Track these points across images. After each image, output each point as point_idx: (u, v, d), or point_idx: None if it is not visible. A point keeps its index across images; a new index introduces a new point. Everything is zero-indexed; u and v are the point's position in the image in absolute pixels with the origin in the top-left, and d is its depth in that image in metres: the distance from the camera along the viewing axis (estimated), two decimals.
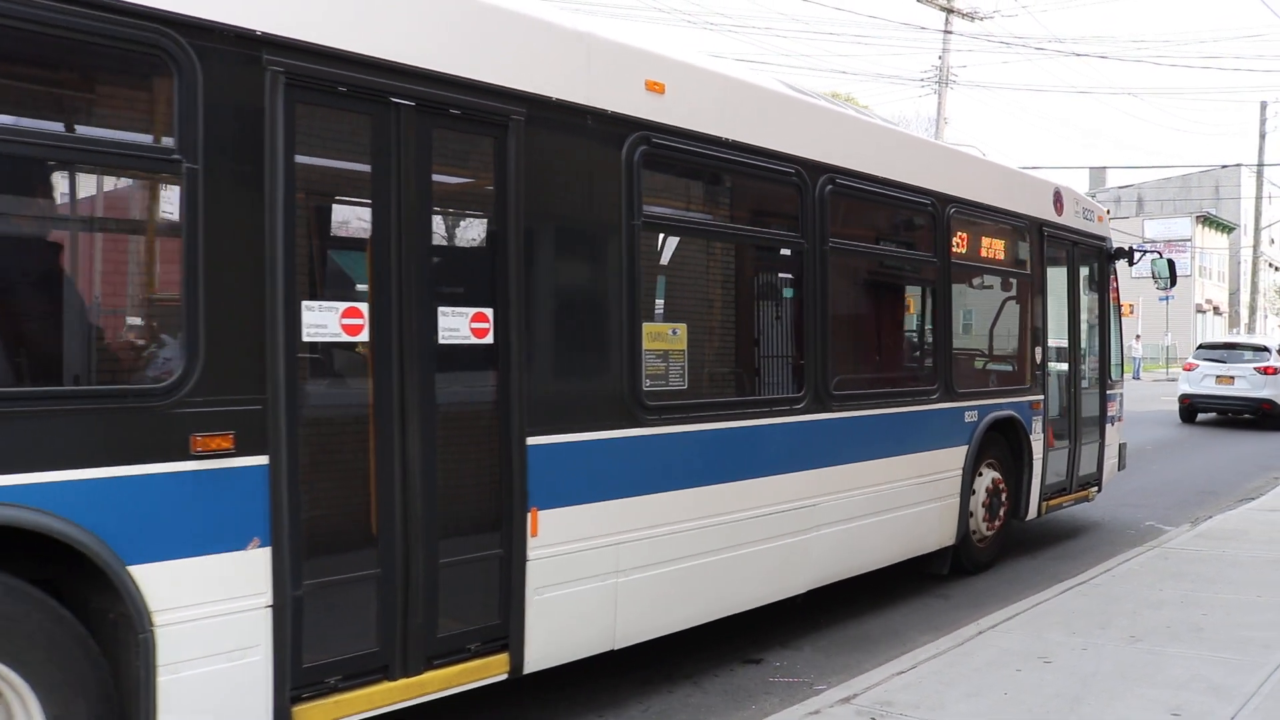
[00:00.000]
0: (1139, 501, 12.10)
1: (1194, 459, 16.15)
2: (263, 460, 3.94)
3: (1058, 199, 9.31)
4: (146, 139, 3.93)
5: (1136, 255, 10.77)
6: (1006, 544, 8.92)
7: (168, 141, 3.80)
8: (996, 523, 8.57)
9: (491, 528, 4.76)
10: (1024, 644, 6.15)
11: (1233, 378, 20.97)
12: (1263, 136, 51.92)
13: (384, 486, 4.37)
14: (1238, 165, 56.48)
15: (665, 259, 5.97)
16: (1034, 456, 8.85)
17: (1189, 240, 56.96)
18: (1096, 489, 10.18)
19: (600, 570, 5.18)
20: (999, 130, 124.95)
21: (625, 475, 5.27)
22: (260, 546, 3.95)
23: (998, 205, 8.42)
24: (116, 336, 4.01)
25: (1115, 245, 10.46)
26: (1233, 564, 8.38)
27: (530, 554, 4.82)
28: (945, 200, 7.72)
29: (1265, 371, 20.72)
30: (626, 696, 5.72)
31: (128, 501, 3.63)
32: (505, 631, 4.78)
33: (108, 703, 3.56)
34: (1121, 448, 10.82)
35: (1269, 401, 20.48)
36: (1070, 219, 9.52)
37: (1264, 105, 52.36)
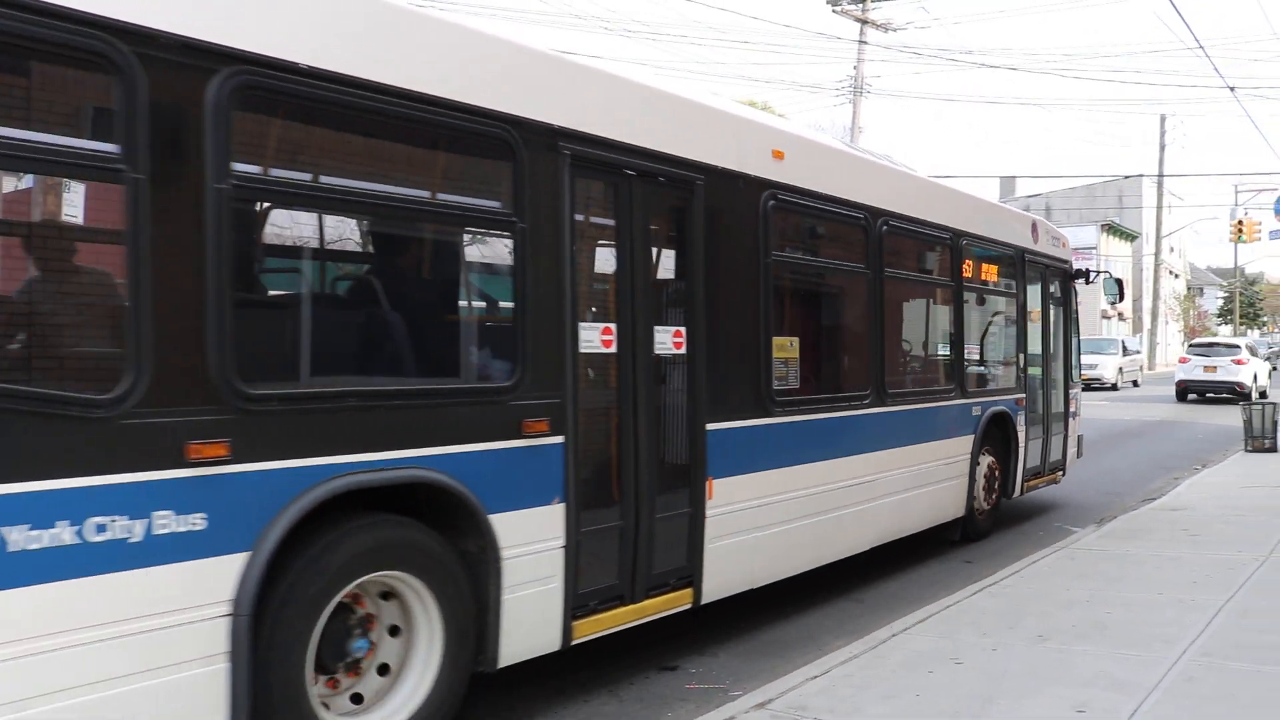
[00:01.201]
0: (1105, 485, 13.93)
1: (1151, 446, 18.52)
2: (561, 439, 5.32)
3: (1034, 229, 11.14)
4: (495, 205, 5.22)
5: (1092, 275, 12.61)
6: (999, 518, 10.56)
7: (504, 208, 5.18)
8: (993, 498, 10.29)
9: (685, 492, 6.23)
10: (936, 645, 6.25)
11: (1215, 367, 28.90)
12: (1162, 148, 53.68)
13: (624, 458, 5.81)
14: (1140, 176, 58.41)
15: (782, 286, 7.32)
16: (1019, 445, 10.60)
17: (1094, 249, 58.61)
18: (1062, 473, 12.02)
19: (748, 526, 6.66)
20: (913, 139, 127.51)
21: (761, 453, 6.81)
22: (559, 503, 5.31)
23: (995, 238, 10.23)
24: (481, 353, 5.33)
25: (1076, 267, 12.30)
26: (1136, 563, 8.59)
27: (708, 513, 6.29)
28: (960, 234, 9.50)
29: (1237, 363, 28.87)
30: (540, 708, 5.68)
31: (487, 468, 4.96)
32: (691, 572, 6.23)
33: (470, 609, 4.89)
34: (1079, 439, 12.67)
35: (1240, 384, 28.19)
36: (1043, 246, 11.29)
37: (1163, 118, 54.14)
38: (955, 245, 9.46)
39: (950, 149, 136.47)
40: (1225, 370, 29.19)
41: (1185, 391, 29.92)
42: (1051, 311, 11.69)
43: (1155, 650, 6.11)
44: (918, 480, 8.80)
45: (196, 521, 3.87)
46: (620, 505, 5.82)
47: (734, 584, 6.71)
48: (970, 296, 9.86)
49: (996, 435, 10.15)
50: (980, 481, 9.99)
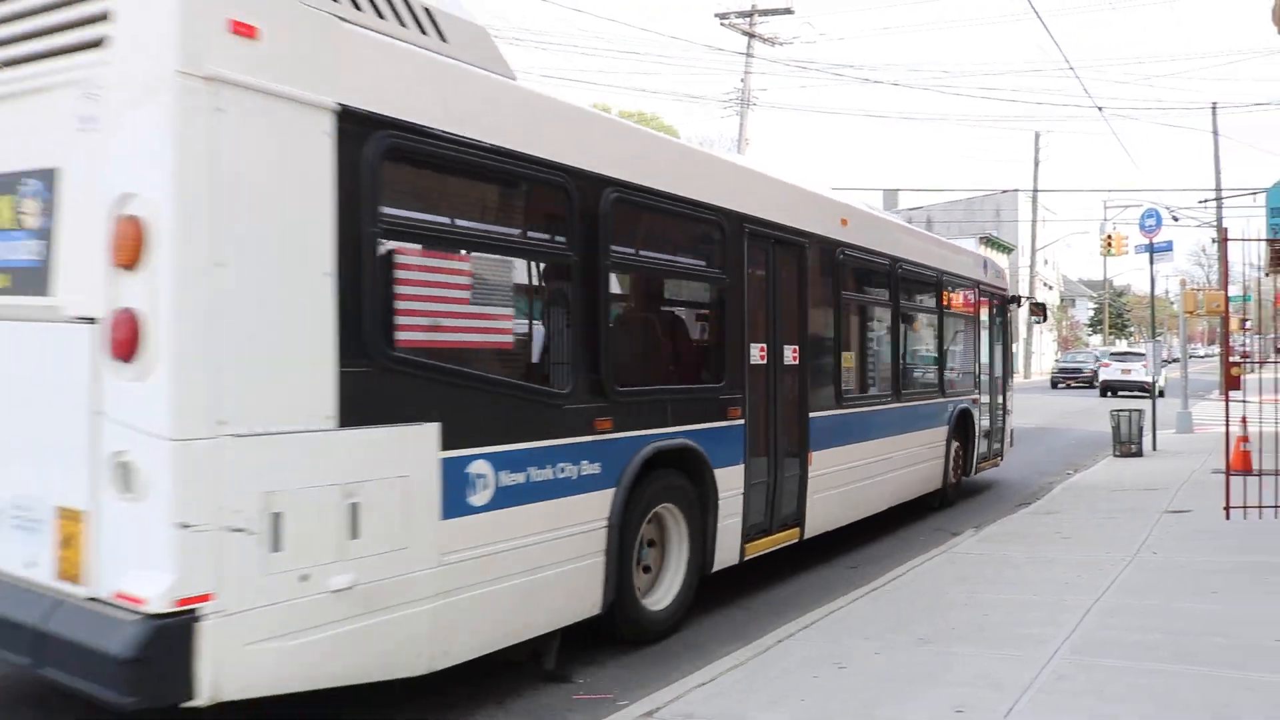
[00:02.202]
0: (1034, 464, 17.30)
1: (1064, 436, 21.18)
2: (743, 422, 7.81)
3: (984, 266, 14.40)
4: (716, 270, 7.65)
5: (1023, 300, 16.26)
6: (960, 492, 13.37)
7: (718, 269, 7.66)
8: (958, 475, 13.22)
9: (798, 460, 8.79)
10: (821, 650, 6.34)
11: (1130, 370, 37.79)
12: (1037, 164, 55.65)
13: (769, 436, 8.34)
14: (1015, 190, 60.45)
15: (848, 317, 10.02)
16: (976, 435, 13.63)
17: None
18: (1001, 458, 15.19)
19: (828, 486, 9.22)
20: (799, 151, 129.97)
21: (836, 435, 9.38)
22: (741, 464, 7.75)
23: (962, 274, 13.32)
24: (707, 366, 7.76)
25: (1012, 294, 15.76)
26: (1013, 565, 8.85)
27: (809, 476, 8.83)
28: (942, 273, 12.54)
29: (1144, 366, 36.85)
30: None
31: (712, 439, 7.39)
32: (799, 518, 8.77)
33: (700, 531, 7.26)
34: (1012, 432, 15.97)
35: (1149, 383, 33.24)
36: (990, 278, 14.55)
37: (1038, 136, 56.14)
38: (939, 281, 12.49)
39: (836, 161, 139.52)
40: (1137, 373, 37.69)
41: (1107, 389, 38.74)
42: (995, 330, 14.83)
43: (1030, 649, 6.28)
44: (914, 458, 11.60)
45: (596, 468, 6.29)
46: (767, 469, 8.38)
47: (820, 527, 9.26)
48: (947, 319, 12.79)
49: (961, 427, 13.12)
50: (951, 461, 12.89)
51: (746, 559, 8.05)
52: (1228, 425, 11.19)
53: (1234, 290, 49.49)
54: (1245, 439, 14.82)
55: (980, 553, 9.47)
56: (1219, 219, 36.68)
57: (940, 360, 12.41)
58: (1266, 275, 28.09)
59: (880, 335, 10.92)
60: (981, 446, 14.02)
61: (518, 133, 5.80)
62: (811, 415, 8.95)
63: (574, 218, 6.23)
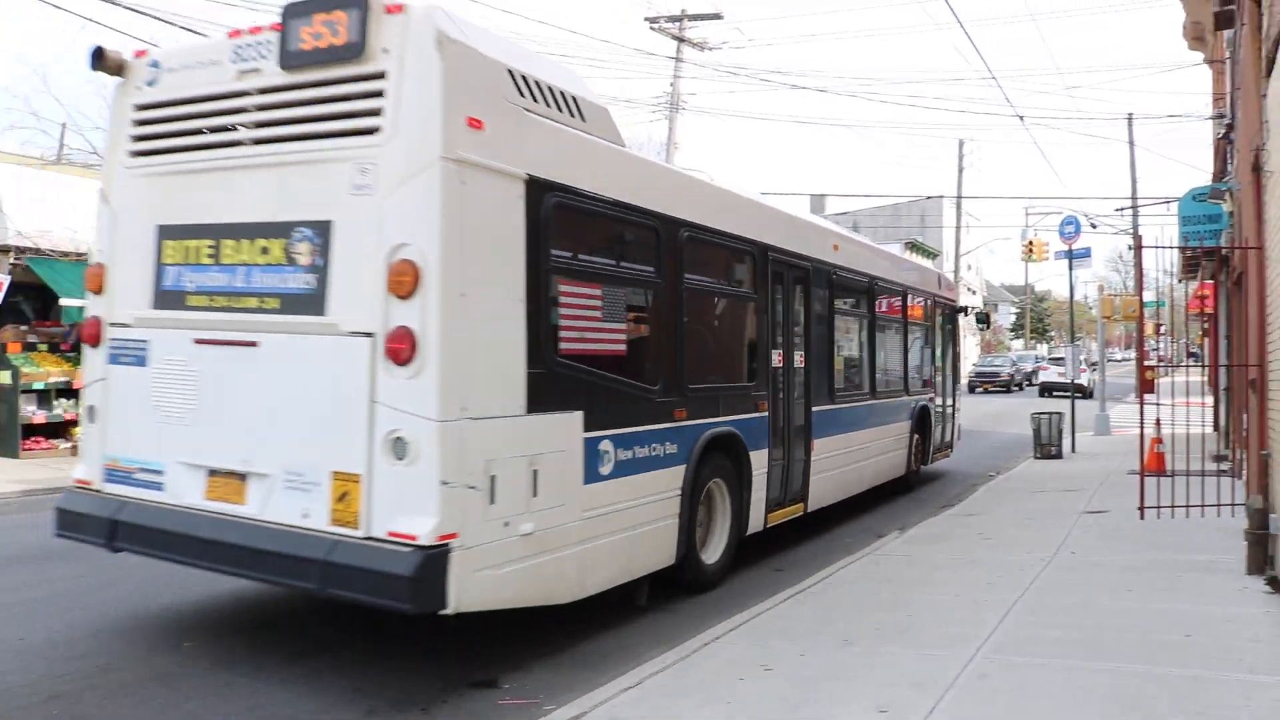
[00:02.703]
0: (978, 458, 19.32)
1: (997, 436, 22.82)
2: (767, 414, 9.68)
3: (939, 279, 16.67)
4: (748, 289, 9.62)
5: (970, 310, 18.44)
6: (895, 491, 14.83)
7: (751, 289, 9.65)
8: (918, 464, 15.33)
9: (804, 446, 10.64)
10: (747, 653, 6.36)
11: (1064, 372, 40.41)
12: (961, 171, 56.58)
13: (783, 425, 10.13)
14: (940, 197, 61.34)
15: (838, 326, 11.98)
16: (932, 428, 15.91)
17: None
18: (950, 450, 17.29)
19: (825, 469, 11.11)
20: (729, 155, 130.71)
21: (827, 425, 11.25)
22: (765, 449, 9.57)
23: (924, 289, 15.69)
24: (746, 366, 9.54)
25: (960, 304, 18.01)
26: (936, 566, 8.96)
27: (812, 460, 10.74)
28: (909, 288, 14.75)
29: (1080, 371, 41.06)
30: None
31: (748, 428, 9.22)
32: (803, 495, 10.60)
33: (738, 502, 9.05)
34: (959, 427, 18.12)
35: (1084, 385, 40.64)
36: (943, 291, 16.79)
37: (962, 143, 57.05)
38: (904, 295, 14.71)
39: (765, 165, 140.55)
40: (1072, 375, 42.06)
41: (1046, 390, 44.32)
42: (946, 337, 16.92)
43: (953, 649, 6.36)
44: (886, 448, 13.70)
45: (675, 449, 8.08)
46: (782, 452, 10.23)
47: (819, 503, 11.17)
48: (910, 327, 15.00)
49: (921, 421, 15.37)
50: (914, 452, 15.10)
51: (769, 526, 10.09)
52: (1142, 427, 11.25)
53: (1149, 296, 50.90)
54: (1159, 441, 15.22)
55: (905, 554, 9.57)
56: (1135, 226, 37.61)
57: (905, 363, 14.78)
58: (1179, 281, 28.96)
59: (861, 341, 13.29)
60: (936, 439, 16.28)
61: (628, 189, 7.84)
62: (814, 409, 11.09)
63: (661, 252, 8.29)
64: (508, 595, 6.42)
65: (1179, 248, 13.47)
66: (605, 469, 7.41)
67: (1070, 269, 20.89)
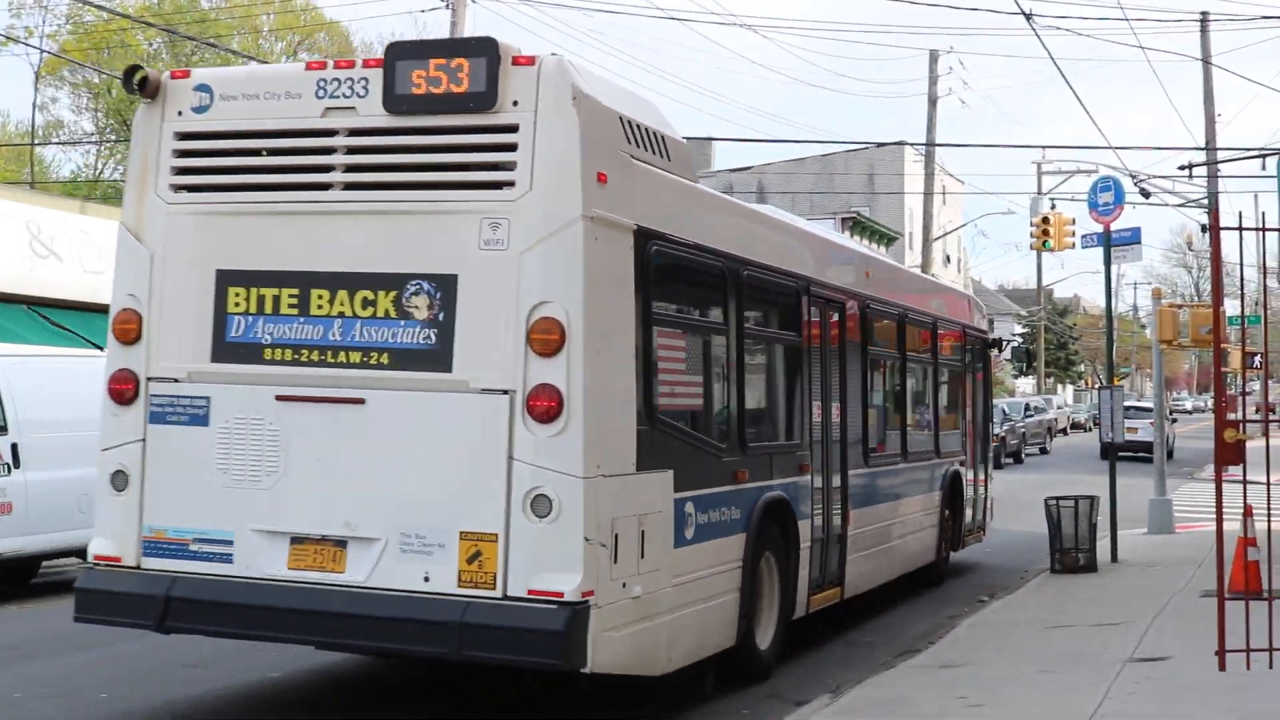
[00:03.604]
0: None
1: None
2: (808, 478, 13.66)
3: (969, 305, 20.43)
4: (790, 333, 13.87)
5: (1004, 344, 21.16)
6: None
7: (793, 332, 13.85)
8: (947, 549, 19.27)
9: (841, 518, 14.56)
10: None
11: (1137, 428, 50.12)
12: (933, 102, 57.27)
13: (824, 490, 14.22)
14: (900, 144, 62.12)
15: (872, 373, 15.58)
16: (965, 501, 19.59)
17: None
18: (984, 533, 21.05)
19: (858, 548, 14.80)
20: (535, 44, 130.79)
21: (863, 493, 15.14)
22: (808, 520, 13.55)
23: (952, 318, 19.27)
24: (794, 423, 13.63)
25: (993, 336, 21.59)
26: None
27: (849, 535, 14.57)
28: (937, 319, 18.26)
29: (1151, 423, 44.71)
30: None
31: (795, 493, 13.03)
32: (840, 578, 14.44)
33: (787, 577, 12.85)
34: (992, 501, 22.06)
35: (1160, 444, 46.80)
36: (975, 321, 20.09)
37: (934, 56, 57.96)
38: (934, 326, 17.97)
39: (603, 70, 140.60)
40: (1145, 431, 47.00)
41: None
42: (976, 380, 20.46)
43: None
44: (917, 525, 17.89)
45: (737, 514, 11.41)
46: (823, 523, 13.39)
47: (854, 589, 14.88)
48: (942, 369, 18.80)
49: (952, 492, 19.20)
50: (944, 532, 19.15)
51: (811, 611, 12.87)
52: (1220, 521, 11.18)
53: (1234, 308, 52.18)
54: (1251, 542, 15.42)
55: None
56: (1212, 196, 38.81)
57: (935, 416, 17.40)
58: None
59: (892, 391, 16.18)
60: (967, 517, 18.86)
61: (706, 231, 11.27)
62: (850, 473, 14.17)
63: (728, 297, 11.57)
64: (622, 660, 9.43)
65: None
66: (689, 533, 10.47)
67: (1108, 262, 21.34)
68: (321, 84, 9.60)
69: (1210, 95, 40.14)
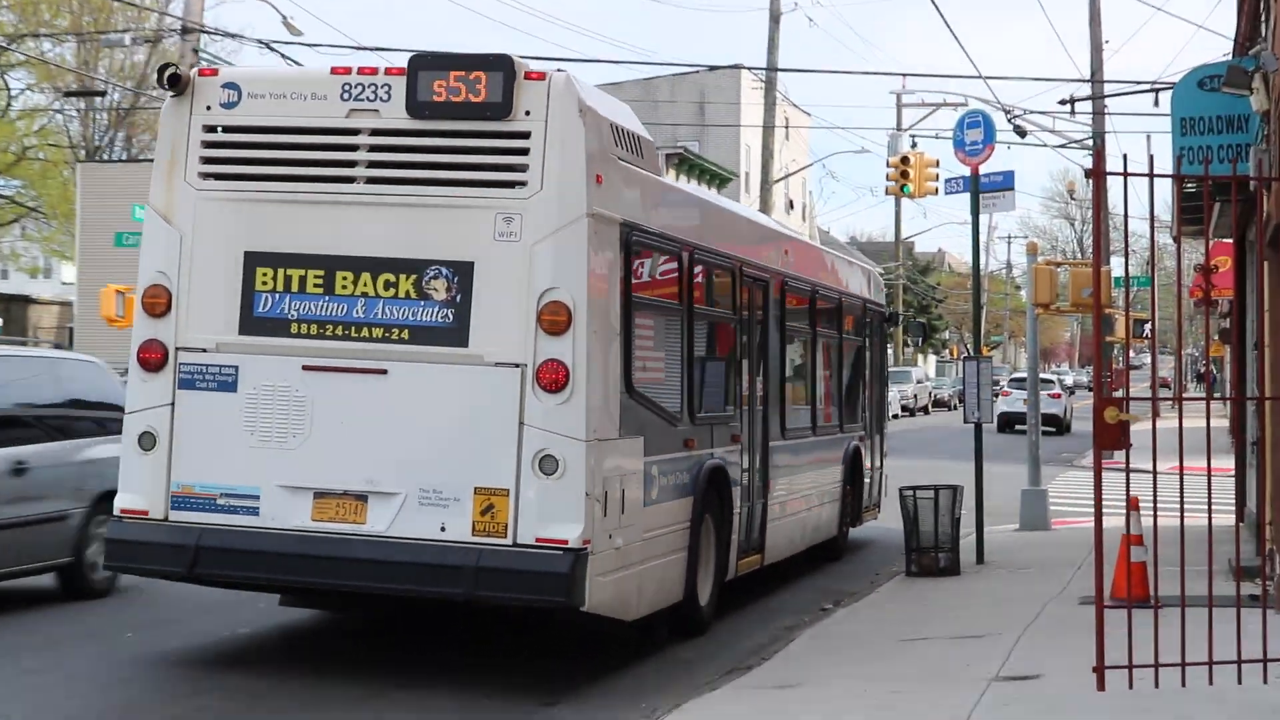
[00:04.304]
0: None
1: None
2: (739, 447, 17.65)
3: (870, 280, 25.18)
4: (726, 309, 17.77)
5: (900, 317, 33.96)
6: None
7: (728, 310, 17.83)
8: (847, 525, 23.63)
9: (763, 488, 18.57)
10: None
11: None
12: (775, 19, 56.89)
13: (750, 460, 18.14)
14: (737, 67, 62.51)
15: (790, 347, 20.22)
16: (864, 477, 24.18)
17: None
18: (878, 510, 24.97)
19: (775, 517, 18.91)
20: None
21: (780, 465, 19.15)
22: (739, 486, 17.69)
23: (854, 291, 23.90)
24: (729, 395, 17.49)
25: (890, 309, 27.60)
26: None
27: (769, 504, 18.66)
28: (842, 293, 23.00)
29: (1053, 395, 65.22)
30: None
31: (729, 461, 17.27)
32: (761, 544, 18.45)
33: (721, 544, 16.77)
34: (886, 479, 25.58)
35: (1060, 416, 67.82)
36: (873, 294, 24.76)
37: None
38: (840, 301, 22.08)
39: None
40: (1047, 403, 56.28)
41: (1008, 423, 62.07)
42: (873, 354, 24.46)
43: None
44: (823, 498, 21.89)
45: (687, 479, 15.21)
46: (749, 491, 17.45)
47: (773, 556, 19.05)
48: (846, 344, 22.85)
49: (853, 467, 23.32)
50: (845, 507, 23.09)
51: (739, 575, 16.27)
52: (1099, 516, 11.62)
53: (1122, 265, 52.93)
54: (1136, 540, 15.55)
55: None
56: (1096, 135, 39.61)
57: (840, 391, 21.47)
58: (1176, 239, 30.47)
59: (803, 364, 19.86)
60: (865, 493, 23.07)
61: (670, 221, 14.79)
62: (770, 444, 17.53)
63: (680, 279, 14.83)
64: (607, 602, 12.63)
65: (1173, 176, 14.09)
66: (653, 494, 13.70)
67: (976, 212, 21.58)
68: (346, 87, 12.78)
69: (1097, 18, 41.14)
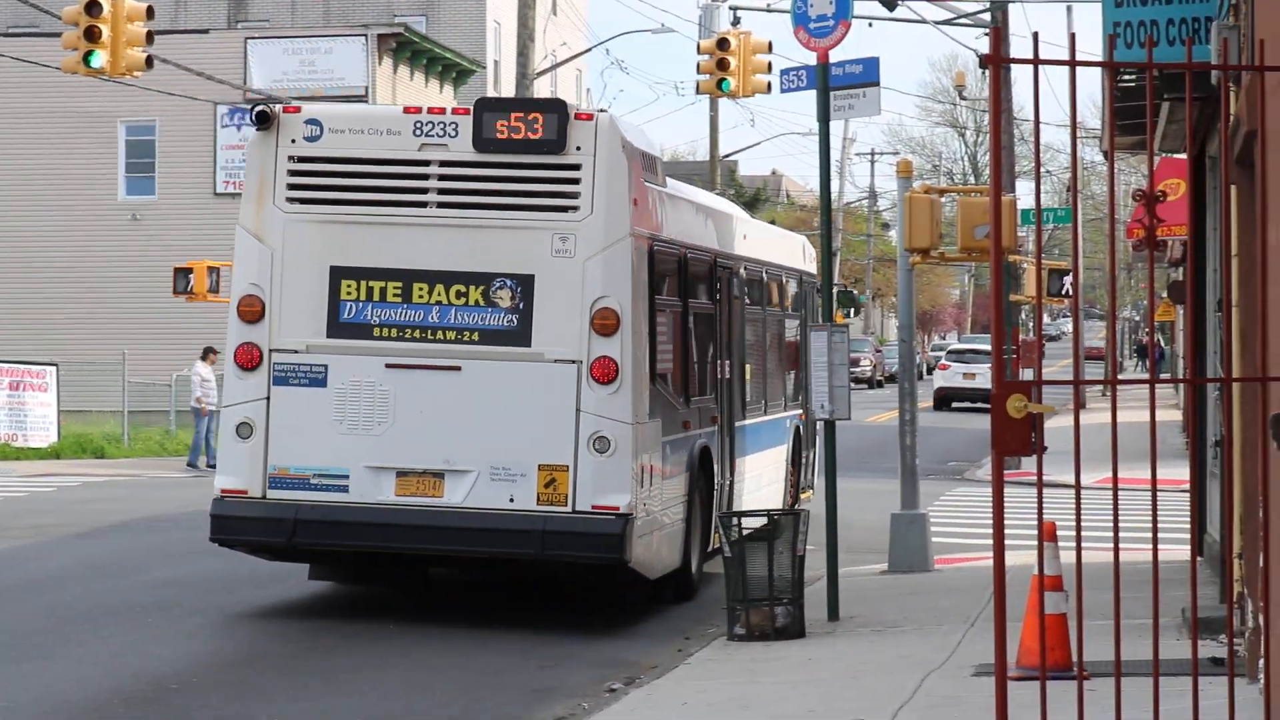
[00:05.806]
0: None
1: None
2: (716, 429, 34.30)
3: (804, 252, 43.42)
4: (705, 299, 33.18)
5: (837, 288, 46.51)
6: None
7: (709, 303, 33.47)
8: (791, 504, 38.87)
9: (731, 467, 35.75)
10: None
11: (978, 373, 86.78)
12: None
13: (724, 440, 34.95)
14: None
15: (747, 328, 36.07)
16: (803, 456, 42.16)
17: (364, 92, 63.28)
18: (812, 490, 39.61)
19: (740, 495, 36.18)
20: None
21: (742, 444, 36.54)
22: (726, 461, 35.64)
23: (791, 265, 40.85)
24: (710, 379, 34.04)
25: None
26: None
27: (735, 482, 35.79)
28: (782, 268, 39.61)
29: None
30: None
31: (711, 442, 35.18)
32: None
33: (706, 517, 32.30)
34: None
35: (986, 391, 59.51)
36: (808, 264, 41.98)
37: None
38: (781, 277, 36.96)
39: None
40: (985, 378, 66.23)
41: (945, 400, 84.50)
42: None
43: None
44: (773, 477, 37.06)
45: (684, 458, 30.70)
46: (724, 469, 32.66)
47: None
48: (788, 320, 38.67)
49: (796, 446, 39.34)
50: (788, 487, 38.06)
51: (716, 547, 24.60)
52: (1000, 550, 11.67)
53: (1032, 193, 54.30)
54: (1054, 582, 16.07)
55: None
56: (996, 8, 40.36)
57: (782, 368, 32.96)
58: (1108, 155, 30.93)
59: (760, 346, 31.99)
60: (803, 471, 34.45)
61: (675, 229, 27.99)
62: (735, 424, 29.56)
63: (681, 277, 27.90)
64: (642, 560, 23.83)
65: (1104, 65, 14.40)
66: (667, 469, 25.06)
67: (825, 119, 22.22)
68: (418, 125, 21.48)
69: None
